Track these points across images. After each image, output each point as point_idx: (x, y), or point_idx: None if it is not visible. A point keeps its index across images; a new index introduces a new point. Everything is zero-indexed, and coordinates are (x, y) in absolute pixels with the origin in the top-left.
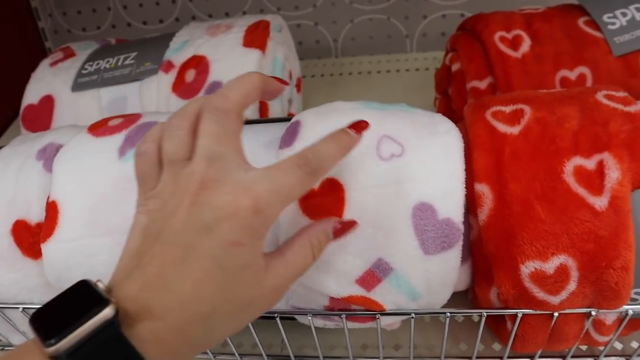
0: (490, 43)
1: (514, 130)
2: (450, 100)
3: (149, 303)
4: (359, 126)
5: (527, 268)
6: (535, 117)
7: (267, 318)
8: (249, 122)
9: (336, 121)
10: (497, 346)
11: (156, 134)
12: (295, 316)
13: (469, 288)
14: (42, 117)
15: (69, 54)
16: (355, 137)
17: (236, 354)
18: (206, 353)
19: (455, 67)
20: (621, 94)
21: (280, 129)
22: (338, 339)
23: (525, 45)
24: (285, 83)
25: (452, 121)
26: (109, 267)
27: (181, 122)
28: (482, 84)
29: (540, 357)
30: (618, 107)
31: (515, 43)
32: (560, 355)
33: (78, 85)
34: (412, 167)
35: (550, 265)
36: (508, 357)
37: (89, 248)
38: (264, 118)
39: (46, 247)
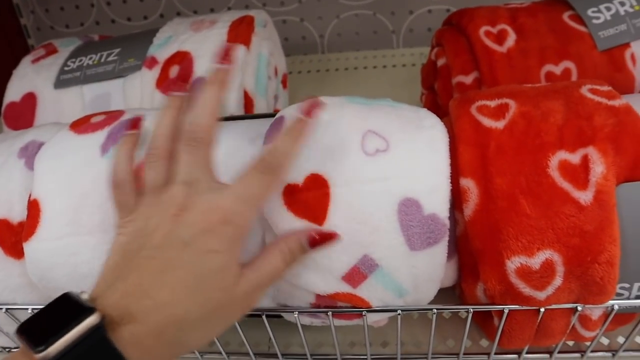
0: (475, 38)
1: (499, 124)
2: (437, 95)
3: (130, 308)
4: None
5: (513, 263)
6: (520, 111)
7: (254, 316)
8: (234, 117)
9: (320, 117)
10: (484, 342)
11: (126, 164)
12: (282, 314)
13: (456, 284)
14: (24, 114)
15: (51, 51)
16: (309, 121)
17: (223, 352)
18: (193, 352)
19: (440, 62)
20: (605, 88)
21: (265, 124)
22: (326, 337)
23: (511, 39)
24: (228, 62)
25: (439, 116)
26: (91, 266)
27: (158, 153)
28: (468, 79)
29: (527, 352)
30: (602, 101)
31: (500, 37)
32: (547, 351)
33: (61, 83)
34: (397, 163)
35: (536, 261)
36: (495, 353)
37: (71, 247)
38: (248, 114)
39: (28, 246)
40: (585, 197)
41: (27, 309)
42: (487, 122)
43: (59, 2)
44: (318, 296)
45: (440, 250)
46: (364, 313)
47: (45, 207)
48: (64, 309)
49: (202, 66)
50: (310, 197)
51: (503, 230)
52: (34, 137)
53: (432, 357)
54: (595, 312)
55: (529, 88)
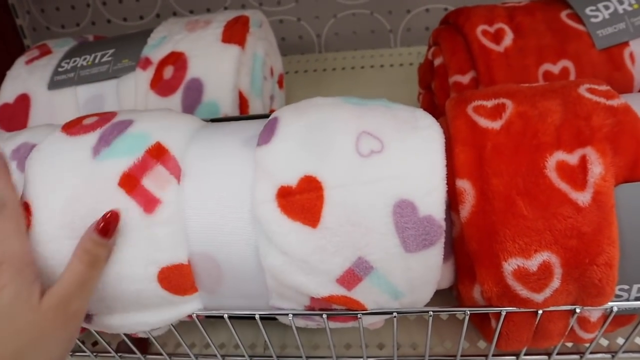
0: (472, 37)
1: (496, 125)
2: (434, 95)
3: None
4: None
5: (510, 265)
6: (517, 111)
7: (248, 318)
8: (228, 118)
9: (315, 117)
10: (482, 344)
11: None
12: (277, 316)
13: (453, 285)
14: (18, 116)
15: (45, 52)
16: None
17: (218, 355)
18: (188, 355)
19: (437, 61)
20: (604, 87)
21: (258, 126)
22: (321, 339)
23: (508, 38)
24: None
25: (435, 116)
26: None
27: None
28: (465, 78)
29: (525, 354)
30: (600, 101)
31: (497, 37)
32: (545, 353)
33: (54, 84)
34: (392, 164)
35: (534, 262)
36: (493, 355)
37: (64, 250)
38: (242, 115)
39: None
40: (583, 198)
41: None
42: (483, 122)
43: (55, 3)
44: (313, 299)
45: (436, 252)
46: (359, 316)
47: (36, 210)
48: None
49: (197, 66)
50: (303, 199)
51: (500, 231)
52: (27, 139)
53: (430, 359)
54: (594, 313)
55: (526, 88)
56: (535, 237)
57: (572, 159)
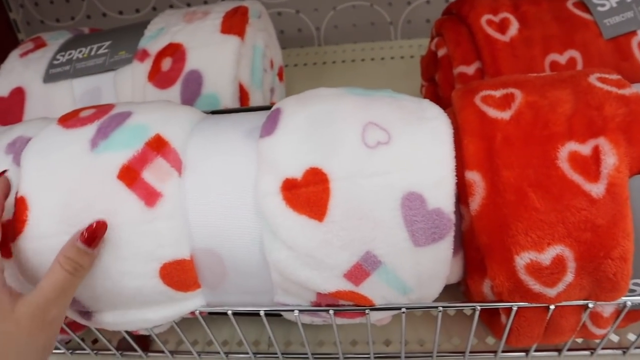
0: (477, 27)
1: (505, 115)
2: (437, 87)
3: None
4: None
5: (522, 259)
6: (527, 101)
7: (252, 315)
8: (228, 110)
9: (319, 108)
10: (490, 340)
11: None
12: (282, 312)
13: (461, 280)
14: (12, 110)
15: (39, 44)
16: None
17: (221, 352)
18: (190, 353)
19: (441, 52)
20: (614, 76)
21: (260, 117)
22: (327, 335)
23: (513, 28)
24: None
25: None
26: None
27: None
28: (470, 69)
29: (535, 350)
30: (612, 90)
31: (502, 26)
32: (555, 349)
33: (50, 77)
34: (399, 155)
35: (546, 256)
36: (503, 351)
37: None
38: (243, 107)
39: (16, 246)
40: (596, 189)
41: None
42: (492, 112)
43: None
44: (319, 294)
45: (445, 246)
46: (366, 312)
47: (33, 205)
48: None
49: (195, 58)
50: (309, 192)
51: (512, 225)
52: (22, 132)
53: (438, 356)
54: (606, 308)
55: (535, 77)
56: (548, 230)
57: (585, 149)
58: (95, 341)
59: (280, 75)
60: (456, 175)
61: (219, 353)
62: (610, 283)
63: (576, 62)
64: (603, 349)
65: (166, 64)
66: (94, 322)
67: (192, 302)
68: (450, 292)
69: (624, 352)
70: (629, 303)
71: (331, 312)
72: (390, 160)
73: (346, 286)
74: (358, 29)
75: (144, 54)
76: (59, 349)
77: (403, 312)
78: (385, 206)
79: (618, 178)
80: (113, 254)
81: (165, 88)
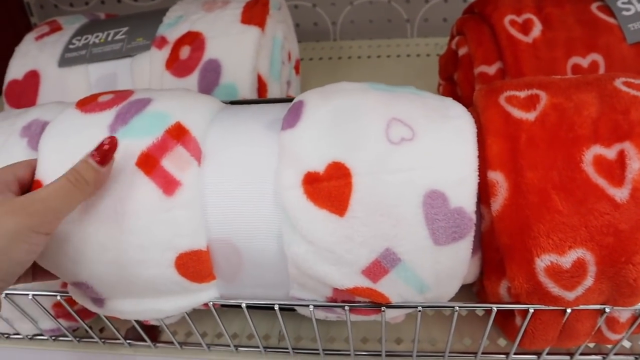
0: (500, 27)
1: (530, 116)
2: (456, 86)
3: None
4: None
5: (543, 261)
6: (552, 103)
7: (266, 308)
8: (247, 101)
9: (342, 101)
10: (502, 342)
11: None
12: (296, 307)
13: (475, 280)
14: (27, 93)
15: (55, 28)
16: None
17: (232, 345)
18: (200, 345)
19: (462, 51)
20: None
21: (281, 109)
22: (338, 331)
23: (536, 29)
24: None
25: None
26: (98, 251)
27: None
28: (491, 69)
29: (547, 353)
30: (638, 95)
31: (525, 27)
32: (567, 352)
33: (65, 61)
34: (423, 153)
35: (567, 259)
36: (515, 354)
37: (78, 232)
38: (262, 99)
39: None
40: (620, 194)
41: (27, 294)
42: (517, 113)
43: None
44: (335, 290)
45: (465, 245)
46: (382, 309)
47: None
48: None
49: (215, 47)
50: (331, 186)
51: (533, 226)
52: (38, 115)
53: (449, 356)
54: (623, 314)
55: (560, 79)
56: (570, 233)
57: (610, 153)
58: (102, 329)
59: (297, 68)
60: (478, 175)
61: (228, 346)
62: (629, 288)
63: (598, 66)
64: (616, 354)
65: (185, 52)
66: (106, 310)
67: (206, 294)
68: (462, 292)
69: (636, 358)
70: None
71: (347, 308)
72: (414, 157)
73: (364, 283)
74: (374, 25)
75: (163, 41)
76: (66, 336)
77: (419, 311)
78: (408, 203)
79: None
80: (129, 241)
81: (183, 76)
